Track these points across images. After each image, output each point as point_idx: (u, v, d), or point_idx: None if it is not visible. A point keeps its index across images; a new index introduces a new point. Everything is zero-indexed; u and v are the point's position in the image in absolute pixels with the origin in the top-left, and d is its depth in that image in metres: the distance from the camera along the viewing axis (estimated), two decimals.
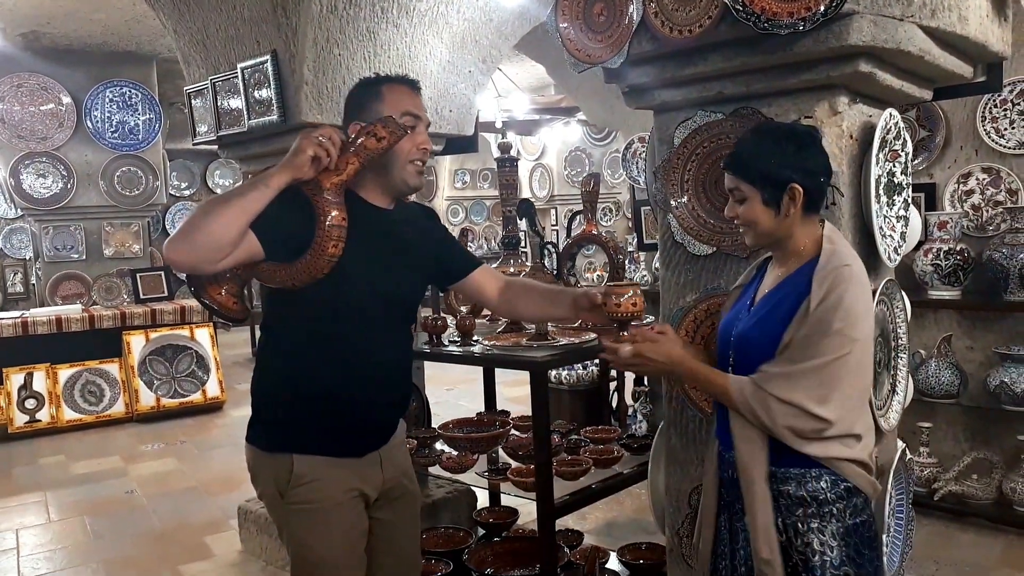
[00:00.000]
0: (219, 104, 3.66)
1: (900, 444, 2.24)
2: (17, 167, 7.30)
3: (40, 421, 6.19)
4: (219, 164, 11.83)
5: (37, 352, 6.34)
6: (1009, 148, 3.69)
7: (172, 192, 11.28)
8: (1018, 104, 3.66)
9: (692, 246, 2.16)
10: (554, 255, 3.04)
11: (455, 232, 2.55)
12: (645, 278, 5.09)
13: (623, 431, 3.33)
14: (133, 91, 7.70)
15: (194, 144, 4.15)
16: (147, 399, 6.54)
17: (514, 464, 2.82)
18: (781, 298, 1.63)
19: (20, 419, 6.11)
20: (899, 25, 1.75)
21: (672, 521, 2.29)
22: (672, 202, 2.17)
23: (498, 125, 7.19)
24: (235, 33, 3.48)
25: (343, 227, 1.68)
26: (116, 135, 7.68)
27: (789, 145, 1.62)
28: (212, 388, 6.79)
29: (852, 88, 1.94)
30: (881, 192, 2.00)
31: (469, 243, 3.02)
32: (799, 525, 1.58)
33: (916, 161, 3.85)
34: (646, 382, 3.90)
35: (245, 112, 3.47)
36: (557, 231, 10.50)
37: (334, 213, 1.66)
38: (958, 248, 3.66)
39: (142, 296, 7.28)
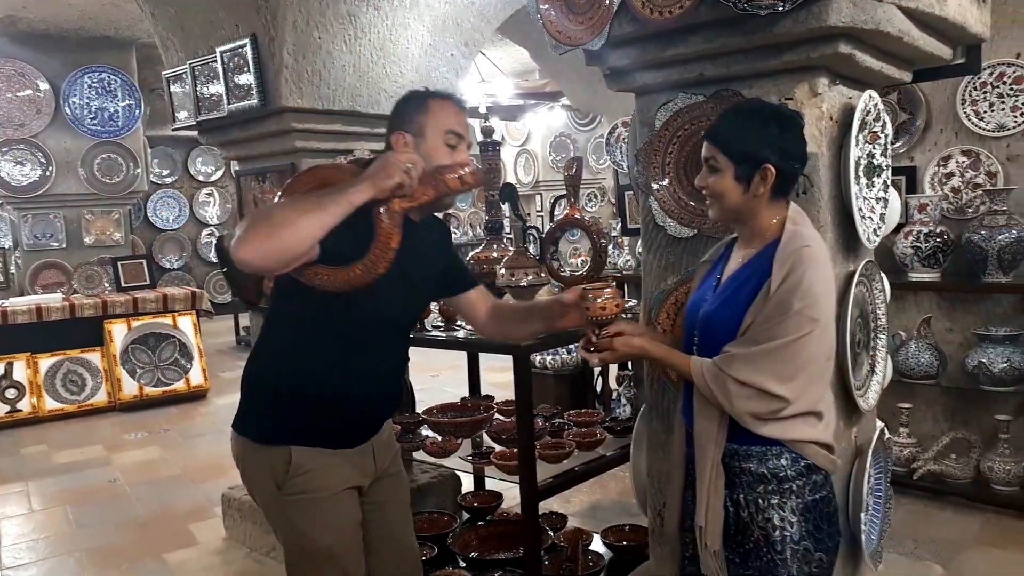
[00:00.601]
0: (198, 89, 3.63)
1: (879, 424, 2.27)
2: None
3: (21, 411, 6.13)
4: (201, 151, 11.66)
5: (17, 341, 6.26)
6: (988, 131, 3.71)
7: (153, 179, 11.13)
8: (997, 87, 3.69)
9: (673, 228, 2.17)
10: (537, 240, 3.04)
11: None
12: (629, 263, 5.11)
13: (607, 415, 3.35)
14: (112, 77, 7.61)
15: (173, 130, 4.10)
16: (130, 388, 6.49)
17: (498, 448, 2.83)
18: (744, 279, 1.65)
19: (1, 409, 6.05)
20: (878, 6, 1.75)
21: (654, 502, 2.31)
22: (653, 185, 2.17)
23: (482, 110, 7.16)
24: (214, 17, 3.44)
25: (397, 250, 1.72)
26: (95, 121, 7.59)
27: (773, 125, 1.62)
28: (196, 376, 6.76)
29: (832, 70, 1.95)
30: (860, 173, 2.01)
31: (455, 229, 3.01)
32: (760, 501, 1.60)
33: (897, 144, 3.87)
34: (630, 366, 3.92)
35: (225, 97, 3.44)
36: (542, 217, 10.48)
37: (396, 238, 1.71)
38: (938, 231, 3.69)
39: (124, 284, 7.21)
